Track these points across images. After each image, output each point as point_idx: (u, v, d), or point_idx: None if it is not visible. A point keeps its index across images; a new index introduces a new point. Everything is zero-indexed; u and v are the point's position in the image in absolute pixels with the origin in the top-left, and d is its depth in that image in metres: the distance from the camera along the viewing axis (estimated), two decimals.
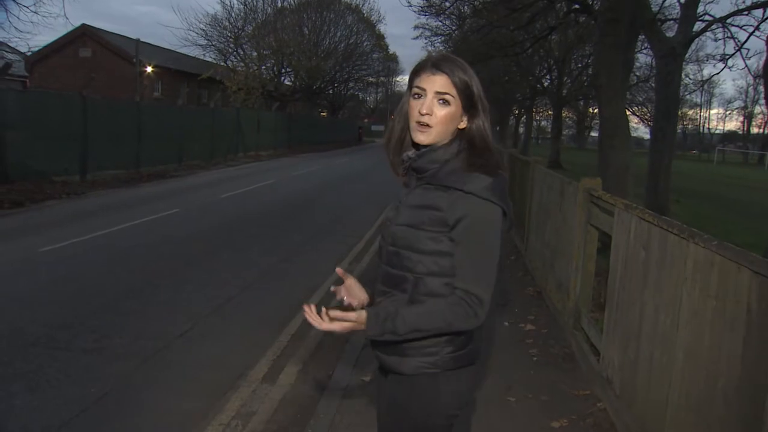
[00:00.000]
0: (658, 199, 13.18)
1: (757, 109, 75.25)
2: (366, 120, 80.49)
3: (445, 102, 1.91)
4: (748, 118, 77.41)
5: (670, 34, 15.04)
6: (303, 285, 7.48)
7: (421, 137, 1.94)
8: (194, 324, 5.95)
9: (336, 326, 1.91)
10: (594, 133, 61.84)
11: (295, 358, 5.27)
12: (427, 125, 1.92)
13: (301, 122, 43.12)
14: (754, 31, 13.99)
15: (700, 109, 76.08)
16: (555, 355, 5.18)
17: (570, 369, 4.88)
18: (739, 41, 14.82)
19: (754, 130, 78.17)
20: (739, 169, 53.43)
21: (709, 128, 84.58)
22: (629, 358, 3.69)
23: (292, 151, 35.46)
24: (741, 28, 15.36)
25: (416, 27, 28.27)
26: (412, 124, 1.96)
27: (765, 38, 9.48)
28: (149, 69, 33.28)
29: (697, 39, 16.24)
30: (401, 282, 1.96)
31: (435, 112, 1.91)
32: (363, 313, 1.89)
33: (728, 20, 14.62)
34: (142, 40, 31.51)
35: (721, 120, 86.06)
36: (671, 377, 3.02)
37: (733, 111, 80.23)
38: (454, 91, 1.91)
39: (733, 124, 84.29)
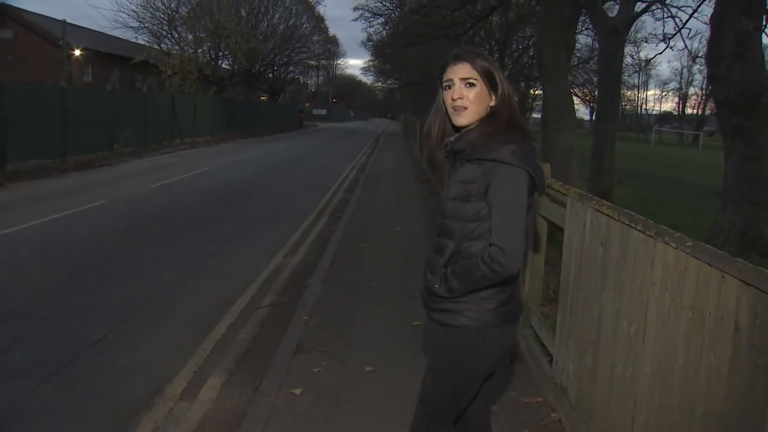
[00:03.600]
0: (602, 181, 13.04)
1: (692, 90, 77.31)
2: (307, 104, 79.35)
3: (472, 85, 2.21)
4: (683, 99, 79.42)
5: (611, 14, 14.87)
6: (233, 281, 6.95)
7: (459, 119, 2.25)
8: (109, 330, 5.37)
9: None
10: (536, 115, 62.15)
11: (220, 367, 4.75)
12: (462, 107, 2.22)
13: (240, 107, 42.07)
14: (694, 12, 13.94)
15: (638, 90, 77.58)
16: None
17: (520, 372, 4.50)
18: (680, 21, 14.77)
19: (689, 110, 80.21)
20: (675, 149, 54.61)
21: (646, 109, 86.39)
22: (586, 366, 3.31)
23: (230, 137, 34.44)
24: (680, 9, 15.34)
25: (356, 8, 27.57)
26: (450, 111, 2.27)
27: (707, 20, 9.28)
28: (77, 52, 31.70)
29: (636, 20, 16.14)
30: (446, 247, 2.27)
31: (465, 94, 2.22)
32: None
33: (667, 0, 14.55)
34: (69, 21, 29.91)
35: (657, 101, 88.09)
36: (637, 395, 2.64)
37: (668, 92, 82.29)
38: (476, 75, 2.21)
39: (669, 105, 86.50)
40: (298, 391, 4.14)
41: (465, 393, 2.40)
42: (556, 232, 4.90)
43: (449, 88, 2.23)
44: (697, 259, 2.17)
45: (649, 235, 2.56)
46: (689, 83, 76.77)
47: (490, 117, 2.22)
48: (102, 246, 8.39)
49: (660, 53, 33.50)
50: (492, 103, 2.23)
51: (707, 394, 2.09)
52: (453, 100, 2.21)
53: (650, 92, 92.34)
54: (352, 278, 6.93)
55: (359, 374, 4.45)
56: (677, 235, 2.37)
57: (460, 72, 2.20)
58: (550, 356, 4.23)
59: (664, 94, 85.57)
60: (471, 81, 2.20)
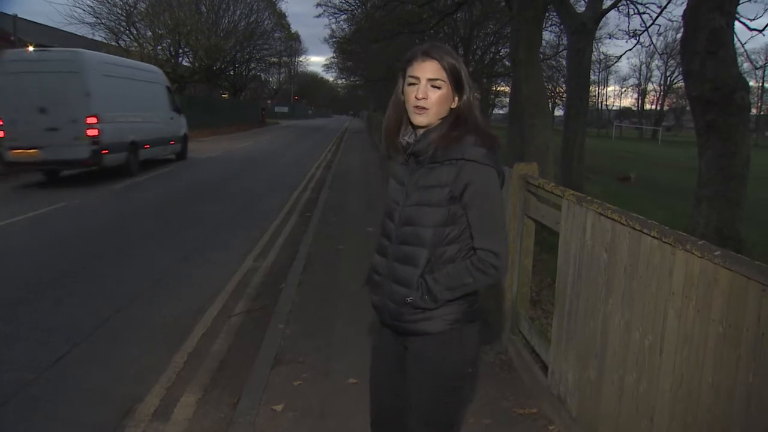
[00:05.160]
0: (573, 177, 13.01)
1: (650, 86, 78.88)
2: (269, 101, 78.61)
3: (437, 87, 2.12)
4: (642, 95, 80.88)
5: (579, 10, 14.88)
6: (204, 288, 6.66)
7: (419, 119, 2.15)
8: (73, 346, 5.04)
9: None
10: (498, 111, 62.55)
11: (194, 383, 4.49)
12: (424, 108, 2.13)
13: (201, 104, 41.41)
14: (663, 9, 14.01)
15: (598, 87, 78.67)
16: (491, 363, 4.62)
17: (510, 380, 4.33)
18: (649, 17, 14.82)
19: (647, 106, 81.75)
20: (635, 143, 55.42)
21: (606, 105, 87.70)
22: (588, 377, 3.15)
23: (192, 135, 33.72)
24: (646, 6, 15.40)
25: (318, 4, 27.31)
26: (410, 109, 2.16)
27: (672, 16, 9.28)
28: (31, 49, 30.72)
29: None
30: (417, 256, 2.16)
31: (429, 95, 2.12)
32: None
33: None
34: (20, 16, 28.94)
35: (617, 97, 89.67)
36: (654, 411, 2.48)
37: (627, 88, 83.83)
38: (444, 75, 2.12)
39: (628, 100, 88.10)
40: (279, 408, 3.91)
41: (466, 396, 2.45)
42: (541, 231, 4.78)
43: (413, 86, 2.14)
44: (730, 270, 2.00)
45: (666, 242, 2.40)
46: (648, 79, 78.46)
47: (456, 121, 2.14)
48: (62, 253, 8.00)
49: (630, 49, 34.10)
50: (454, 105, 2.16)
51: (745, 417, 1.93)
52: (416, 98, 2.13)
53: (610, 88, 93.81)
54: (328, 282, 6.71)
55: (343, 387, 4.23)
56: (701, 242, 2.22)
57: (427, 71, 2.12)
58: (542, 363, 4.08)
59: (623, 90, 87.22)
60: (438, 83, 2.12)
